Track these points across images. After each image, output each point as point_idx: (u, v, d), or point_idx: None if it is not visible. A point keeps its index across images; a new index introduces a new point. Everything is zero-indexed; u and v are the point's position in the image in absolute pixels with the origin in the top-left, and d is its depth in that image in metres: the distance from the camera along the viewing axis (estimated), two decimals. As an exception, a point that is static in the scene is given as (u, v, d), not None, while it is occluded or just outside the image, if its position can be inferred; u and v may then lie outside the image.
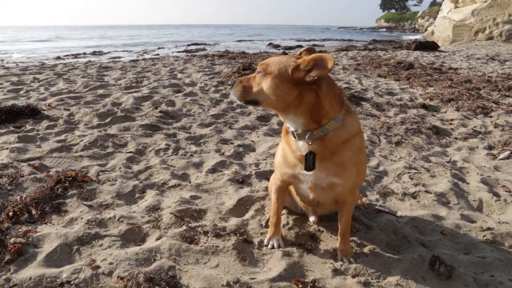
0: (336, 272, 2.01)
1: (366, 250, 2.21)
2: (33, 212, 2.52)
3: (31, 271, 1.94)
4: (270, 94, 1.76)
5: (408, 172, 3.43)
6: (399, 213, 2.70)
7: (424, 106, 5.90)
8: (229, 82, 1.90)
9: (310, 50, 1.90)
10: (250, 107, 5.58)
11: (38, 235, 2.25)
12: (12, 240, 2.18)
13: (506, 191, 3.14)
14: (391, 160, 3.78)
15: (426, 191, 3.05)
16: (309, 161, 1.83)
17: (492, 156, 3.94)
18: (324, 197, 2.02)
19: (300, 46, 22.59)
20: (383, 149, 4.06)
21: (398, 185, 3.18)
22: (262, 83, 1.78)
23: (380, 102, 6.09)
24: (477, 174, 3.47)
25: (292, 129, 1.87)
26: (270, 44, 25.45)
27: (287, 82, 1.73)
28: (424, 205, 2.86)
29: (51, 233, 2.26)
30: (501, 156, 3.91)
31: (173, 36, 37.84)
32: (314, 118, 1.79)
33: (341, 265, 2.07)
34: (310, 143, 1.82)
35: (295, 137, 1.88)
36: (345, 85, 7.34)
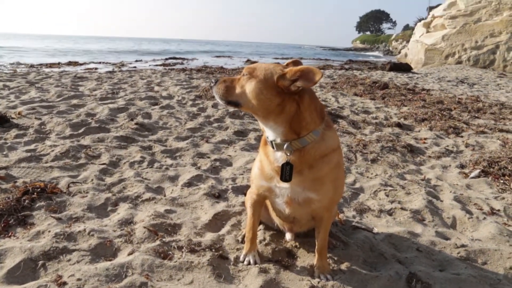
0: (314, 289, 1.98)
1: (343, 267, 2.19)
2: (-4, 224, 2.38)
3: (-11, 290, 1.82)
4: (252, 98, 1.74)
5: (384, 189, 3.47)
6: (375, 230, 2.70)
7: (398, 125, 6.04)
8: (212, 80, 1.89)
9: (296, 62, 1.90)
10: (228, 122, 5.55)
11: (0, 250, 2.11)
12: (-30, 255, 2.04)
13: (478, 209, 3.21)
14: (367, 177, 3.82)
15: (401, 208, 3.08)
16: (286, 171, 1.81)
17: (464, 175, 4.04)
18: (300, 212, 2.00)
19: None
20: (359, 166, 4.10)
21: (374, 201, 3.21)
22: (246, 86, 1.76)
23: (356, 120, 6.19)
24: (450, 192, 3.54)
25: (271, 138, 1.85)
26: (248, 60, 25.70)
27: (271, 88, 1.72)
28: (400, 222, 2.88)
29: (15, 247, 2.13)
30: (472, 174, 4.02)
31: (152, 49, 37.63)
32: (293, 129, 1.78)
33: (318, 282, 2.03)
34: (288, 154, 1.80)
35: (273, 147, 1.85)
36: (322, 103, 7.43)
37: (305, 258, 2.26)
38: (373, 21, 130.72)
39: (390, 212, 3.04)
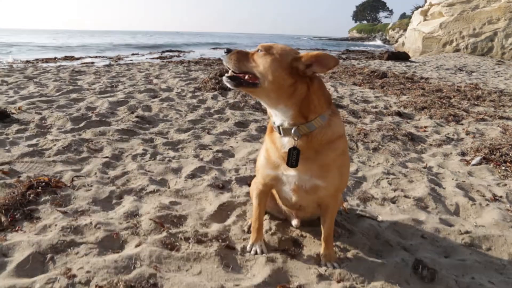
0: (321, 277, 2.00)
1: (349, 255, 2.21)
2: (2, 219, 2.38)
3: (0, 282, 1.82)
4: (267, 73, 1.72)
5: (387, 178, 3.48)
6: (380, 218, 2.72)
7: (398, 114, 6.04)
8: (224, 50, 1.83)
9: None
10: (228, 113, 5.54)
11: (8, 244, 2.12)
12: (-22, 250, 2.05)
13: (480, 196, 3.23)
14: (369, 166, 3.83)
15: (405, 196, 3.10)
16: (293, 156, 1.82)
17: (466, 162, 4.06)
18: (307, 200, 2.01)
19: (276, 54, 22.66)
20: (361, 155, 4.11)
21: (378, 190, 3.22)
22: (261, 61, 1.74)
23: (356, 109, 6.19)
24: (452, 179, 3.56)
25: (278, 123, 1.85)
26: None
27: (285, 68, 1.73)
28: (403, 209, 2.90)
29: (23, 241, 2.13)
30: (474, 161, 4.03)
31: (148, 42, 37.27)
32: (302, 112, 1.79)
33: (325, 270, 2.05)
34: (296, 138, 1.81)
35: (280, 133, 1.86)
36: (322, 93, 7.42)
37: (311, 247, 2.28)
38: (369, 10, 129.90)
39: (393, 200, 3.06)
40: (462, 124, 5.63)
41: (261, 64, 1.74)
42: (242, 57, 1.79)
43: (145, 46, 27.76)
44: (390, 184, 3.38)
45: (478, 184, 3.44)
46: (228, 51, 1.81)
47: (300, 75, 1.76)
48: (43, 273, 1.92)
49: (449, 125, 5.55)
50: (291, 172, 1.88)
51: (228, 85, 1.80)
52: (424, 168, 3.86)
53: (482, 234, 2.55)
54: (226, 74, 1.83)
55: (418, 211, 2.87)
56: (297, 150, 1.81)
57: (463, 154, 4.32)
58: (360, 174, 3.58)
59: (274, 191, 2.23)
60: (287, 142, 1.85)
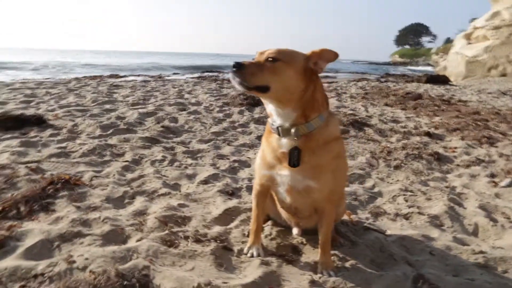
0: (314, 283, 1.95)
1: (348, 264, 2.15)
2: (22, 208, 2.55)
3: (8, 263, 1.94)
4: (283, 82, 1.73)
5: (404, 194, 3.37)
6: (388, 232, 2.63)
7: (428, 134, 5.85)
8: (233, 64, 1.70)
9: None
10: (252, 127, 5.62)
11: (22, 230, 2.26)
12: (-5, 233, 2.20)
13: (505, 218, 3.04)
14: (388, 182, 3.73)
15: (419, 213, 2.98)
16: (294, 156, 1.83)
17: (494, 184, 3.84)
18: (301, 202, 2.00)
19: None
20: (380, 172, 4.01)
21: (392, 205, 3.13)
22: (277, 70, 1.72)
23: (383, 128, 6.07)
24: (476, 200, 3.38)
25: (278, 123, 1.86)
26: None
27: (300, 73, 1.77)
28: (415, 225, 2.79)
29: (35, 229, 2.27)
30: (503, 183, 3.82)
31: (190, 63, 38.68)
32: (305, 112, 1.82)
33: (320, 278, 2.01)
34: (296, 139, 1.83)
35: (279, 134, 1.87)
36: (350, 112, 7.36)
37: (310, 255, 2.24)
38: (412, 35, 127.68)
39: (406, 216, 2.95)
40: (496, 147, 5.35)
41: (277, 73, 1.72)
42: (256, 70, 1.72)
43: (186, 67, 28.79)
44: (406, 200, 3.27)
45: (504, 206, 3.25)
46: (239, 65, 1.69)
47: (311, 75, 1.81)
48: (48, 258, 2.03)
49: (481, 147, 5.29)
50: (285, 172, 1.89)
51: (240, 88, 1.75)
52: (447, 187, 3.70)
53: (499, 255, 2.39)
54: (237, 79, 1.73)
55: (431, 228, 2.75)
56: (298, 149, 1.83)
57: (492, 175, 4.10)
58: (376, 189, 3.49)
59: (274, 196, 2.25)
60: (286, 143, 1.87)
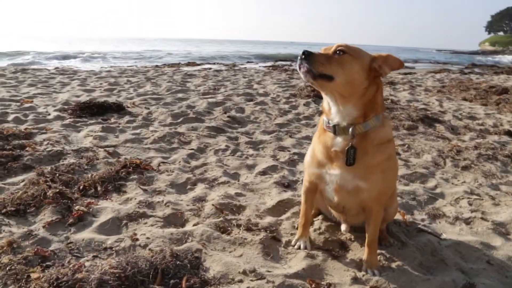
0: (356, 281, 1.99)
1: (394, 265, 2.14)
2: (99, 188, 2.90)
3: (85, 235, 2.26)
4: (349, 75, 1.77)
5: (468, 198, 3.19)
6: (443, 236, 2.54)
7: (508, 133, 5.36)
8: (302, 52, 1.76)
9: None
10: (316, 119, 5.62)
11: (98, 207, 2.59)
12: (76, 207, 2.55)
13: None
14: (452, 183, 3.54)
15: (482, 218, 2.81)
16: (350, 155, 1.86)
17: None
18: (349, 201, 2.03)
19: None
20: (446, 172, 3.81)
21: (452, 208, 2.99)
22: (345, 63, 1.77)
23: (456, 125, 5.69)
24: (554, 209, 3.08)
25: (336, 121, 1.89)
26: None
27: (365, 70, 1.81)
28: (476, 232, 2.65)
29: (108, 207, 2.58)
30: None
31: (263, 51, 38.99)
32: (365, 110, 1.85)
33: (363, 276, 2.03)
34: (352, 137, 1.86)
35: (335, 132, 1.91)
36: (422, 106, 6.98)
37: (357, 252, 2.27)
38: (508, 20, 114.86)
39: (467, 221, 2.80)
40: None
41: (345, 66, 1.77)
42: (324, 60, 1.76)
43: (260, 56, 29.08)
44: (470, 204, 3.10)
45: None
46: (308, 53, 1.76)
47: (372, 76, 1.84)
48: (117, 234, 2.32)
49: None
50: (335, 171, 1.93)
51: (305, 78, 1.79)
52: (522, 193, 3.42)
53: None
54: (302, 68, 1.77)
55: (494, 236, 2.59)
56: (354, 148, 1.86)
57: None
58: (438, 190, 3.34)
59: None
60: (341, 142, 1.90)
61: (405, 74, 14.00)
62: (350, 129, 1.85)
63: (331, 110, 1.91)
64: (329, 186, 2.01)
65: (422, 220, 2.77)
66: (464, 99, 8.14)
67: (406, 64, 27.05)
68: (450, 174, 3.78)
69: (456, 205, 3.08)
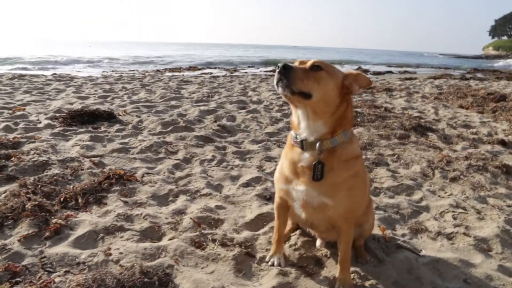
0: (327, 299, 1.97)
1: (367, 284, 2.11)
2: (79, 200, 2.90)
3: (59, 249, 2.25)
4: (325, 92, 1.75)
5: (453, 211, 3.15)
6: (423, 252, 2.51)
7: (502, 143, 5.32)
8: (282, 65, 1.70)
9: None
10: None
11: (76, 220, 2.58)
12: (54, 220, 2.54)
13: None
14: (439, 196, 3.50)
15: (464, 234, 2.77)
16: (317, 170, 1.84)
17: None
18: (316, 218, 2.00)
19: (391, 72, 21.89)
20: (434, 184, 3.78)
21: (436, 223, 2.95)
22: (322, 80, 1.75)
23: (450, 134, 5.65)
24: (541, 224, 3.04)
25: (304, 135, 1.86)
26: (359, 68, 24.96)
27: (339, 88, 1.82)
28: (456, 248, 2.61)
29: (86, 220, 2.57)
30: None
31: (266, 55, 39.12)
32: (335, 126, 1.84)
33: (335, 294, 2.01)
34: (319, 153, 1.83)
35: (302, 148, 1.88)
36: (416, 114, 6.95)
37: (332, 269, 2.24)
38: None
39: (449, 236, 2.77)
40: None
41: (322, 83, 1.75)
42: (303, 75, 1.71)
43: (261, 61, 29.17)
44: (454, 218, 3.06)
45: None
46: (288, 68, 1.70)
47: (343, 94, 1.83)
48: (92, 248, 2.30)
49: None
50: (301, 187, 1.91)
51: (283, 93, 1.74)
52: (509, 206, 3.38)
53: (551, 292, 2.16)
54: (280, 83, 1.71)
55: (475, 253, 2.55)
56: (321, 163, 1.84)
57: None
58: (423, 203, 3.31)
59: None
60: (307, 158, 1.88)
61: (404, 80, 13.97)
62: (318, 144, 1.83)
63: (300, 125, 1.88)
64: (296, 202, 1.98)
65: (403, 235, 2.73)
66: (461, 106, 8.09)
67: (408, 69, 26.92)
68: (437, 186, 3.74)
69: (440, 219, 3.05)
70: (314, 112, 1.81)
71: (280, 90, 1.74)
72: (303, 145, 1.87)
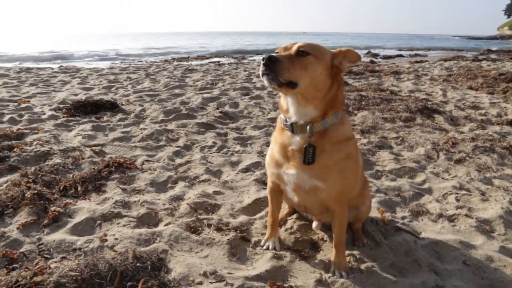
0: (320, 283, 1.94)
1: (363, 266, 2.08)
2: (79, 188, 2.92)
3: (57, 236, 2.27)
4: (313, 78, 1.68)
5: (456, 193, 3.09)
6: (422, 235, 2.46)
7: (511, 123, 5.19)
8: (267, 57, 1.59)
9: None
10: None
11: (75, 208, 2.60)
12: (52, 208, 2.57)
13: None
14: (442, 178, 3.43)
15: (467, 215, 2.72)
16: (309, 153, 1.79)
17: None
18: (309, 201, 1.97)
19: (401, 56, 21.51)
20: (438, 166, 3.70)
21: (438, 205, 2.89)
22: (308, 66, 1.67)
23: (457, 116, 5.52)
24: (547, 205, 2.96)
25: (293, 119, 1.81)
26: (368, 52, 24.50)
27: (328, 69, 1.74)
28: (458, 230, 2.56)
29: (84, 208, 2.59)
30: None
31: (274, 42, 38.80)
32: (325, 109, 1.78)
33: (329, 278, 1.98)
34: (310, 136, 1.79)
35: (293, 131, 1.83)
36: (424, 96, 6.81)
37: (328, 252, 2.21)
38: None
39: (451, 218, 2.71)
40: None
41: (309, 69, 1.67)
42: (288, 64, 1.62)
43: (268, 49, 28.93)
44: (457, 200, 3.00)
45: None
46: (273, 60, 1.59)
47: (334, 74, 1.77)
48: (89, 234, 2.32)
49: None
50: (292, 170, 1.87)
51: (270, 86, 1.67)
52: (515, 187, 3.29)
53: (553, 273, 2.11)
54: (266, 76, 1.63)
55: (476, 234, 2.50)
56: (313, 146, 1.79)
57: None
58: (426, 185, 3.25)
59: None
60: (298, 141, 1.84)
61: (414, 63, 13.69)
62: (308, 127, 1.78)
63: (289, 110, 1.83)
64: (288, 186, 1.95)
65: (403, 218, 2.69)
66: (470, 87, 7.90)
67: (418, 52, 26.37)
68: (441, 168, 3.67)
69: (443, 201, 2.99)
70: (304, 98, 1.76)
71: (266, 83, 1.66)
72: (293, 128, 1.82)
